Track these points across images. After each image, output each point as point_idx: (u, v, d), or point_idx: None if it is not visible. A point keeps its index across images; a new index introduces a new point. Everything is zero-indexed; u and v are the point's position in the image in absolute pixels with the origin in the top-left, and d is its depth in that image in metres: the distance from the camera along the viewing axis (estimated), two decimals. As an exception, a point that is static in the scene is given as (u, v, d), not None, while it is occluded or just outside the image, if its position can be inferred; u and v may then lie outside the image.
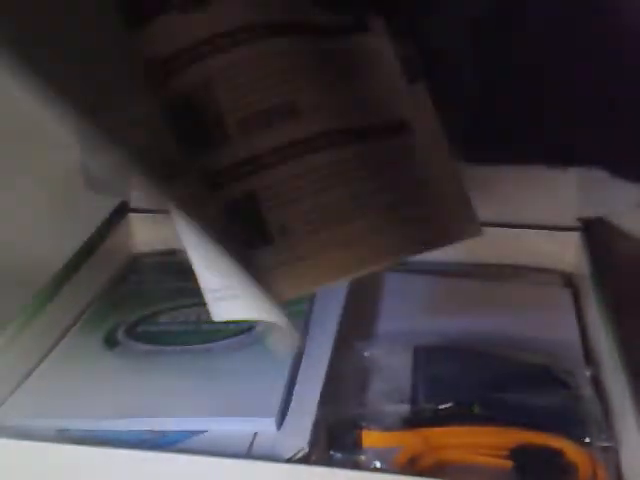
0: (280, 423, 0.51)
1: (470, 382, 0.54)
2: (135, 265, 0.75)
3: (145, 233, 0.75)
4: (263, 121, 0.43)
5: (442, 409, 0.52)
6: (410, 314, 0.64)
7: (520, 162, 0.48)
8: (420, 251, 0.47)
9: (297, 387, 0.54)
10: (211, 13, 0.42)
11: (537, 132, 0.44)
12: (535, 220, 0.71)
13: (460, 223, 0.48)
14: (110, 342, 0.61)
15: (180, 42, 0.43)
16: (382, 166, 0.45)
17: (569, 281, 0.70)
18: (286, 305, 0.43)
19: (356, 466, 0.48)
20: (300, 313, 0.61)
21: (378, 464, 0.48)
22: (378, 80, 0.47)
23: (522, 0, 0.42)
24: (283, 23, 0.43)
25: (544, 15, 0.42)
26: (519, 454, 0.49)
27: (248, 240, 0.43)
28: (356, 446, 0.49)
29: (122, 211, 0.76)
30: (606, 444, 0.49)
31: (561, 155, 0.46)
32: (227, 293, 0.45)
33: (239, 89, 0.43)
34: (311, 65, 0.44)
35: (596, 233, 0.69)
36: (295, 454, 0.48)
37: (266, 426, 0.50)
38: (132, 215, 0.75)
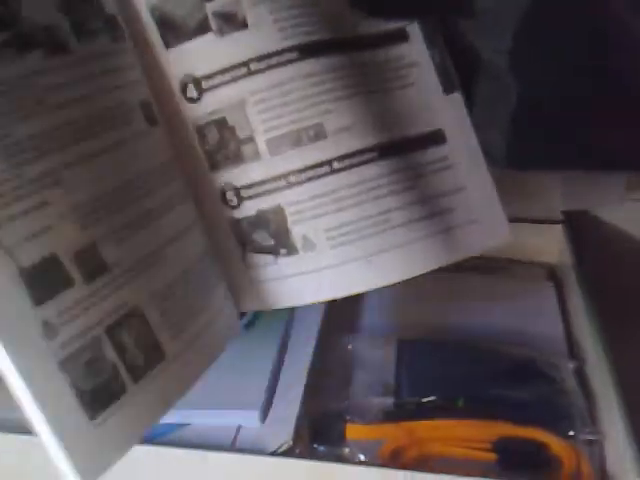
0: (264, 416, 0.50)
1: (454, 375, 0.54)
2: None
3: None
4: (291, 142, 0.44)
5: (426, 402, 0.52)
6: (394, 308, 0.64)
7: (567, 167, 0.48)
8: (446, 262, 0.47)
9: (281, 380, 0.54)
10: (248, 36, 0.43)
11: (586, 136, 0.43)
12: (519, 213, 0.71)
13: (490, 229, 0.48)
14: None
15: (216, 63, 0.43)
16: (415, 179, 0.46)
17: (553, 274, 0.71)
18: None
19: (340, 459, 0.48)
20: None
21: (362, 457, 0.48)
22: (415, 92, 0.47)
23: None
24: (321, 41, 0.44)
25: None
26: (503, 447, 0.49)
27: (272, 250, 0.46)
28: (340, 439, 0.49)
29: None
30: (590, 437, 0.49)
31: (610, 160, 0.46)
32: None
33: (270, 111, 0.44)
34: (343, 85, 0.44)
35: (580, 226, 0.69)
36: (279, 447, 0.47)
37: (250, 419, 0.50)
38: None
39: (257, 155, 0.44)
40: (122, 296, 0.38)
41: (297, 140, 0.44)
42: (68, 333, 0.34)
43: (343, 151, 0.44)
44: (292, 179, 0.44)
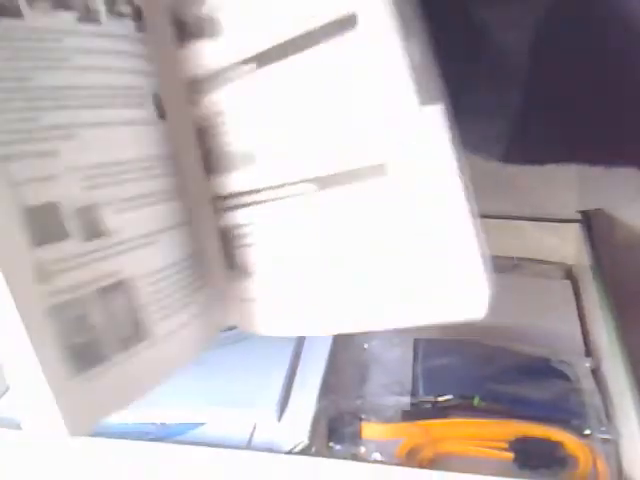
0: (280, 415, 0.51)
1: (470, 374, 0.54)
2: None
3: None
4: (227, 164, 0.44)
5: (442, 401, 0.52)
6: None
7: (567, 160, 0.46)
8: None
9: (297, 379, 0.54)
10: (221, 43, 0.42)
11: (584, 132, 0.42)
12: (536, 212, 0.71)
13: (460, 301, 0.39)
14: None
15: (197, 68, 0.44)
16: (352, 216, 0.39)
17: (569, 273, 0.70)
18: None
19: (356, 458, 0.48)
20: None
21: (378, 456, 0.48)
22: (357, 111, 0.38)
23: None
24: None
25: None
26: (519, 446, 0.49)
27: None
28: (356, 438, 0.49)
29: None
30: (606, 436, 0.49)
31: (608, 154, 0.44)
32: None
33: (220, 127, 0.44)
34: (273, 109, 0.41)
35: (596, 225, 0.69)
36: (295, 446, 0.48)
37: (266, 418, 0.50)
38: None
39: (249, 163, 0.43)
40: (117, 264, 0.39)
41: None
42: (59, 283, 0.35)
43: (274, 181, 0.42)
44: (229, 202, 0.44)
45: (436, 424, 0.50)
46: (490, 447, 0.49)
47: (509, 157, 0.44)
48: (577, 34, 0.39)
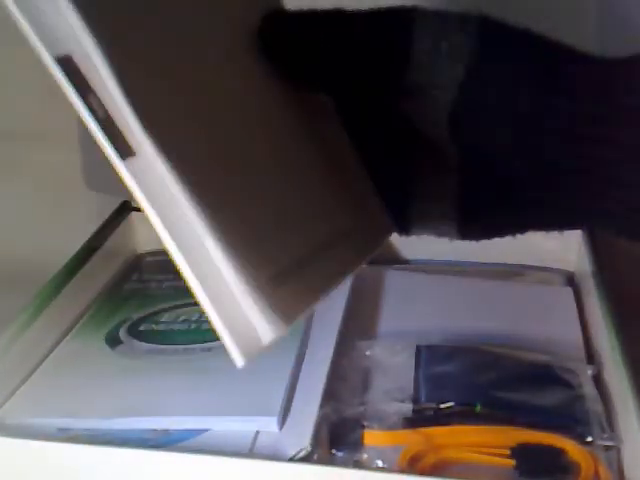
0: (282, 422, 0.51)
1: (472, 381, 0.54)
2: (137, 264, 0.75)
3: (147, 232, 0.75)
4: None
5: (444, 408, 0.52)
6: (412, 313, 0.64)
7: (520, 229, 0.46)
8: None
9: (299, 386, 0.54)
10: None
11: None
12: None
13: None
14: (112, 341, 0.61)
15: None
16: None
17: (571, 280, 0.70)
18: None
19: (358, 465, 0.48)
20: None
21: (380, 463, 0.48)
22: None
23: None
24: None
25: None
26: (521, 453, 0.49)
27: None
28: (358, 445, 0.49)
29: (124, 210, 0.76)
30: (608, 443, 0.49)
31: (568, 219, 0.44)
32: None
33: None
34: None
35: (598, 232, 0.69)
36: (297, 453, 0.48)
37: (268, 425, 0.50)
38: (134, 214, 0.75)
39: None
40: None
41: None
42: None
43: None
44: None
45: (438, 431, 0.50)
46: (492, 454, 0.49)
47: (466, 236, 0.44)
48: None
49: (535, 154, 0.37)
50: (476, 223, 0.44)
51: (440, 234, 0.44)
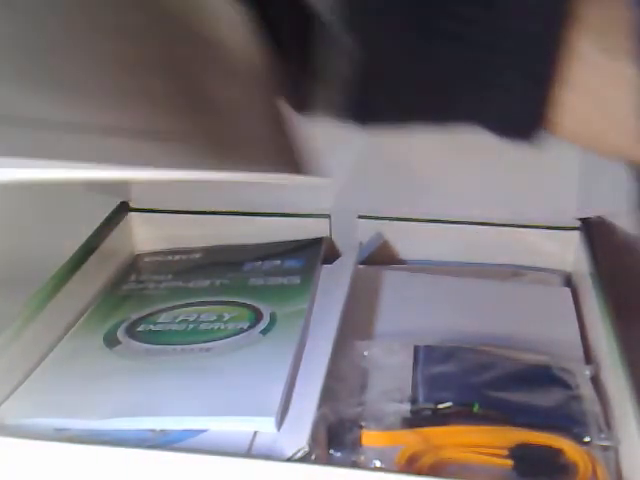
0: (280, 422, 0.51)
1: (470, 381, 0.54)
2: (135, 264, 0.75)
3: (145, 232, 0.75)
4: None
5: (442, 408, 0.52)
6: (410, 314, 0.64)
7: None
8: None
9: (297, 386, 0.54)
10: None
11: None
12: (535, 220, 0.71)
13: None
14: (110, 341, 0.61)
15: None
16: None
17: (569, 280, 0.71)
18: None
19: (356, 465, 0.48)
20: (301, 313, 0.61)
21: (378, 463, 0.48)
22: None
23: None
24: None
25: None
26: (519, 453, 0.49)
27: None
28: (356, 445, 0.49)
29: (122, 211, 0.76)
30: (606, 443, 0.49)
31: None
32: None
33: None
34: None
35: (596, 233, 0.69)
36: (295, 453, 0.48)
37: (266, 425, 0.50)
38: (132, 214, 0.75)
39: None
40: None
41: None
42: None
43: None
44: None
45: (436, 431, 0.50)
46: (490, 454, 0.49)
47: (357, 119, 0.44)
48: None
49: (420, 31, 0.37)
50: (366, 106, 0.44)
51: (334, 115, 0.44)
